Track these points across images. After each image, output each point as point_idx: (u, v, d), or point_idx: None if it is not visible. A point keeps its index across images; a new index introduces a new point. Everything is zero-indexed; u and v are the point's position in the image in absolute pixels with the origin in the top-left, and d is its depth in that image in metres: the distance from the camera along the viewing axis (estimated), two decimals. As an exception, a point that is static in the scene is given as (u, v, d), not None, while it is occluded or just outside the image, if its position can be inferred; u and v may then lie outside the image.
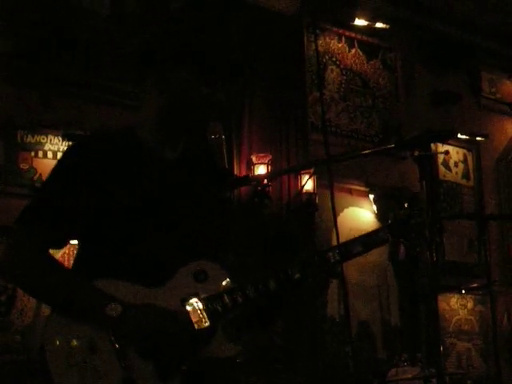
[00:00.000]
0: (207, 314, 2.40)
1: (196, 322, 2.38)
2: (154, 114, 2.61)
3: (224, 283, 2.48)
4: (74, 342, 2.33)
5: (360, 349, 7.29)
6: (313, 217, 6.81)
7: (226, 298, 2.43)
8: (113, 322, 2.31)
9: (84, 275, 2.45)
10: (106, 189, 2.48)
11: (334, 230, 5.95)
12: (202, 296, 2.42)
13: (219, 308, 2.42)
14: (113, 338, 2.32)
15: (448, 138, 2.61)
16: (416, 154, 2.58)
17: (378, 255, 7.25)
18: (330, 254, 2.56)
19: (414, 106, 8.36)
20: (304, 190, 6.72)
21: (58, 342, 2.33)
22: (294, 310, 6.03)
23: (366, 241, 2.61)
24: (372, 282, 7.57)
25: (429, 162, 2.58)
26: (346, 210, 7.41)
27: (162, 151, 2.62)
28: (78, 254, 2.58)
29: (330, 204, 6.14)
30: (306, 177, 6.70)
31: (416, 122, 8.11)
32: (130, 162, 2.57)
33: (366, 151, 2.78)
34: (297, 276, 2.50)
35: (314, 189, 6.74)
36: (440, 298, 7.92)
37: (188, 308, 2.39)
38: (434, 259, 2.66)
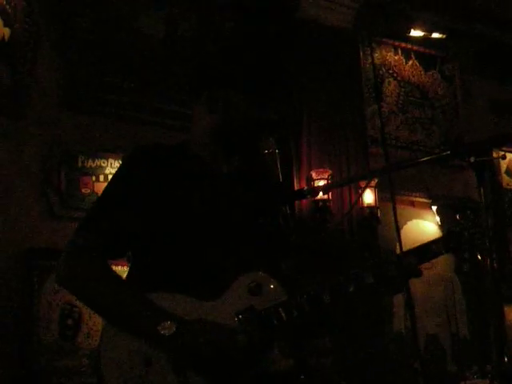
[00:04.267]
0: (262, 328, 2.38)
1: (250, 337, 2.36)
2: (205, 132, 2.63)
3: (279, 296, 2.46)
4: (130, 355, 2.33)
5: (429, 363, 7.20)
6: (375, 231, 6.75)
7: (281, 311, 2.41)
8: (166, 341, 2.30)
9: (140, 287, 2.45)
10: (163, 198, 2.50)
11: (397, 243, 5.92)
12: (257, 309, 2.41)
13: (274, 321, 2.40)
14: (168, 355, 2.31)
15: (505, 142, 2.55)
16: (472, 160, 2.53)
17: (443, 267, 7.16)
18: (388, 266, 2.53)
19: (473, 116, 8.26)
20: (365, 204, 6.66)
21: (113, 355, 2.34)
22: (358, 322, 5.97)
23: (420, 253, 2.57)
24: (439, 294, 7.47)
25: (487, 168, 2.53)
26: (409, 223, 7.34)
27: (217, 165, 2.64)
28: (131, 266, 2.59)
29: (392, 217, 6.12)
30: (367, 190, 6.64)
31: (476, 132, 8.01)
32: (187, 172, 2.59)
33: (424, 158, 2.73)
34: (351, 289, 2.47)
35: (375, 202, 6.68)
36: (509, 308, 7.77)
37: (242, 322, 2.38)
38: (495, 268, 2.59)
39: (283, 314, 2.40)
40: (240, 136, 2.60)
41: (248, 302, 2.42)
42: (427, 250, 2.58)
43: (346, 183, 6.30)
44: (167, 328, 2.30)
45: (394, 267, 2.52)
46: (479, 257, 2.64)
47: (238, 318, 2.39)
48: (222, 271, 2.47)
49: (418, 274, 2.57)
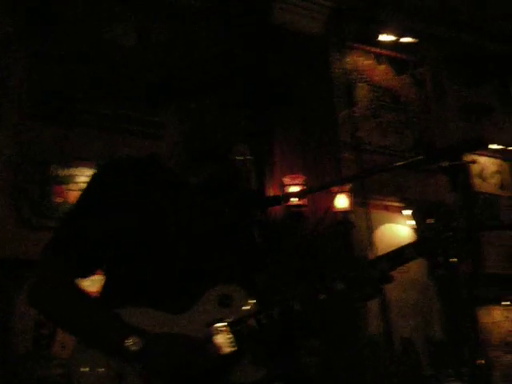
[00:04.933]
0: (232, 339, 2.38)
1: (221, 348, 2.35)
2: (175, 142, 2.63)
3: (249, 306, 2.45)
4: (102, 370, 2.32)
5: (404, 366, 7.22)
6: (349, 235, 6.76)
7: (251, 321, 2.41)
8: (134, 356, 2.29)
9: (109, 304, 2.44)
10: (129, 213, 2.49)
11: (370, 247, 5.95)
12: (227, 320, 2.40)
13: (244, 331, 2.40)
14: (138, 369, 2.30)
15: (478, 147, 2.55)
16: (445, 164, 2.54)
17: (417, 271, 7.19)
18: (353, 274, 2.52)
19: (445, 120, 8.31)
20: (339, 209, 6.67)
21: (85, 369, 2.33)
22: (332, 328, 5.97)
23: (392, 258, 2.57)
24: (413, 298, 7.50)
25: (459, 172, 2.53)
26: (382, 227, 7.37)
27: (186, 176, 2.63)
28: (104, 281, 2.58)
29: (365, 222, 6.15)
30: (341, 195, 6.66)
31: (448, 136, 8.06)
32: (154, 186, 2.58)
33: (398, 164, 2.73)
34: (322, 297, 2.47)
35: (349, 207, 6.69)
36: (483, 310, 7.82)
37: (213, 333, 2.37)
38: (467, 271, 2.60)
39: (253, 324, 2.40)
40: (211, 144, 2.59)
41: (218, 313, 2.42)
42: (400, 255, 2.57)
43: (322, 189, 6.30)
44: (134, 343, 2.30)
45: (365, 273, 2.51)
46: (452, 260, 2.63)
47: (207, 329, 2.39)
48: (191, 284, 2.46)
49: (390, 280, 2.56)
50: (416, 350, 7.39)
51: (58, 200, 5.83)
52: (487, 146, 4.80)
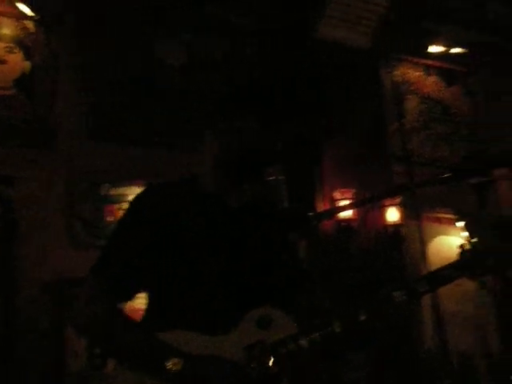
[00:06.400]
0: (272, 361, 2.38)
1: (260, 370, 2.36)
2: (212, 161, 2.64)
3: (289, 329, 2.45)
4: None
5: (462, 381, 7.13)
6: (400, 249, 6.71)
7: (290, 343, 2.41)
8: (174, 377, 2.32)
9: (150, 326, 2.47)
10: (170, 239, 2.52)
11: (423, 260, 5.89)
12: (267, 343, 2.40)
13: (284, 354, 2.40)
14: None
15: (508, 163, 2.52)
16: (473, 181, 2.51)
17: (473, 283, 7.10)
18: (397, 293, 2.49)
19: (498, 130, 8.20)
20: (390, 222, 6.63)
21: None
22: (381, 343, 5.94)
23: (432, 279, 2.53)
24: (469, 311, 7.41)
25: (488, 189, 2.50)
26: (435, 240, 7.30)
27: (226, 199, 2.64)
28: (147, 305, 2.62)
29: (418, 234, 6.09)
30: (392, 208, 6.62)
31: (501, 146, 7.95)
32: (193, 211, 2.60)
33: (431, 180, 2.69)
34: (362, 318, 2.46)
35: (400, 220, 6.65)
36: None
37: (252, 356, 2.38)
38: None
39: (293, 348, 2.40)
40: (246, 163, 2.60)
41: (257, 335, 2.43)
42: (441, 276, 2.53)
43: (369, 202, 6.26)
44: (175, 364, 2.32)
45: (403, 296, 2.48)
46: (501, 276, 2.59)
47: (247, 351, 2.39)
48: (231, 307, 2.49)
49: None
50: (473, 364, 7.30)
51: (110, 219, 5.89)
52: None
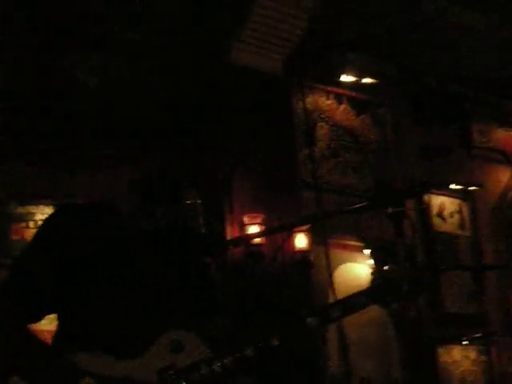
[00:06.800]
0: None
1: None
2: (128, 185, 2.63)
3: (201, 353, 2.45)
4: None
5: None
6: (308, 275, 6.75)
7: (203, 368, 2.41)
8: None
9: (61, 349, 2.43)
10: (79, 263, 2.48)
11: (330, 287, 5.95)
12: (179, 367, 2.40)
13: (196, 378, 2.39)
14: None
15: (421, 193, 2.59)
16: (390, 211, 2.56)
17: (377, 311, 7.18)
18: (310, 319, 2.52)
19: (405, 160, 8.37)
20: (298, 248, 6.68)
21: None
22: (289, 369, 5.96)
23: (345, 306, 2.57)
24: (372, 337, 7.50)
25: (403, 218, 2.56)
26: (341, 266, 7.38)
27: (138, 221, 2.63)
28: (57, 326, 2.57)
29: (325, 261, 6.15)
30: (300, 234, 6.66)
31: (408, 176, 8.12)
32: (105, 235, 2.58)
33: (346, 209, 2.74)
34: (275, 343, 2.47)
35: (307, 246, 6.69)
36: (442, 350, 7.85)
37: (164, 380, 2.37)
38: (416, 314, 2.59)
39: (205, 370, 2.40)
40: (160, 187, 2.60)
41: (170, 359, 2.42)
42: (353, 303, 2.58)
43: (280, 229, 6.30)
44: None
45: (316, 321, 2.51)
46: (407, 304, 2.64)
47: (159, 375, 2.38)
48: (143, 331, 2.46)
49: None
50: (375, 389, 7.39)
51: (16, 237, 5.79)
52: (429, 191, 4.77)
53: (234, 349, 2.44)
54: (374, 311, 7.13)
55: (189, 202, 2.67)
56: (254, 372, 2.65)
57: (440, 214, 8.46)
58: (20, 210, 5.89)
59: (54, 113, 6.06)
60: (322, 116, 7.84)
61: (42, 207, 5.93)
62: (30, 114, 5.99)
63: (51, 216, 2.68)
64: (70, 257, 2.49)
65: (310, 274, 6.76)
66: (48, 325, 2.65)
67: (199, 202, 2.69)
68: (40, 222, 5.62)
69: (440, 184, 8.19)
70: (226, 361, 2.41)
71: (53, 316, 2.57)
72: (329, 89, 7.99)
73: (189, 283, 2.65)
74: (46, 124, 6.03)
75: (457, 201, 8.69)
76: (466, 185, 8.35)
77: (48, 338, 2.58)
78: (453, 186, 8.30)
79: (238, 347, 2.45)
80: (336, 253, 7.18)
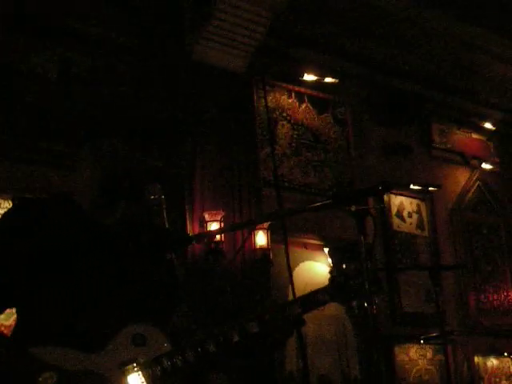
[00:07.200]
0: (146, 379, 2.37)
1: None
2: (88, 181, 2.62)
3: (163, 347, 2.46)
4: None
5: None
6: (268, 272, 6.76)
7: (164, 361, 2.41)
8: None
9: (21, 342, 2.41)
10: (41, 256, 2.48)
11: (289, 285, 5.96)
12: (141, 360, 2.39)
13: (158, 372, 2.39)
14: None
15: (383, 192, 2.60)
16: (353, 209, 2.58)
17: (334, 308, 7.22)
18: (267, 317, 2.53)
19: (365, 159, 8.42)
20: (258, 246, 6.68)
21: None
22: (249, 366, 5.97)
23: (305, 302, 2.60)
24: (330, 335, 7.54)
25: (365, 216, 2.58)
26: (301, 265, 7.41)
27: (99, 216, 2.63)
28: (17, 320, 2.55)
29: (284, 259, 6.16)
30: (260, 232, 6.67)
31: (368, 175, 8.17)
32: (66, 228, 2.56)
33: (309, 206, 2.74)
34: (235, 339, 2.49)
35: (267, 244, 6.70)
36: (399, 348, 7.90)
37: (126, 373, 2.36)
38: (374, 312, 2.60)
39: (167, 364, 2.40)
40: (124, 181, 2.60)
41: (132, 352, 2.42)
42: (313, 300, 2.61)
43: (241, 227, 6.33)
44: (48, 378, 2.28)
45: (278, 318, 2.53)
46: (365, 303, 2.66)
47: (120, 369, 2.37)
48: (105, 324, 2.47)
49: (302, 323, 2.59)
50: (333, 386, 7.42)
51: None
52: (391, 190, 4.80)
53: (197, 344, 2.45)
54: (331, 308, 7.18)
55: (153, 197, 2.68)
56: (217, 367, 2.66)
57: (399, 214, 8.51)
58: (-21, 203, 5.82)
59: (15, 105, 6.00)
60: (283, 114, 7.86)
61: (0, 201, 5.86)
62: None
63: (10, 210, 2.67)
64: (30, 250, 2.48)
65: (270, 271, 6.76)
66: (6, 319, 2.63)
67: (163, 197, 2.70)
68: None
69: (401, 184, 8.24)
70: (187, 355, 2.42)
71: (10, 310, 2.56)
72: (290, 87, 8.01)
73: (152, 277, 2.65)
74: (5, 118, 5.97)
75: (416, 201, 8.76)
76: (426, 185, 8.41)
77: (6, 333, 2.56)
78: (412, 186, 8.35)
79: (200, 342, 2.45)
80: (296, 251, 7.22)
